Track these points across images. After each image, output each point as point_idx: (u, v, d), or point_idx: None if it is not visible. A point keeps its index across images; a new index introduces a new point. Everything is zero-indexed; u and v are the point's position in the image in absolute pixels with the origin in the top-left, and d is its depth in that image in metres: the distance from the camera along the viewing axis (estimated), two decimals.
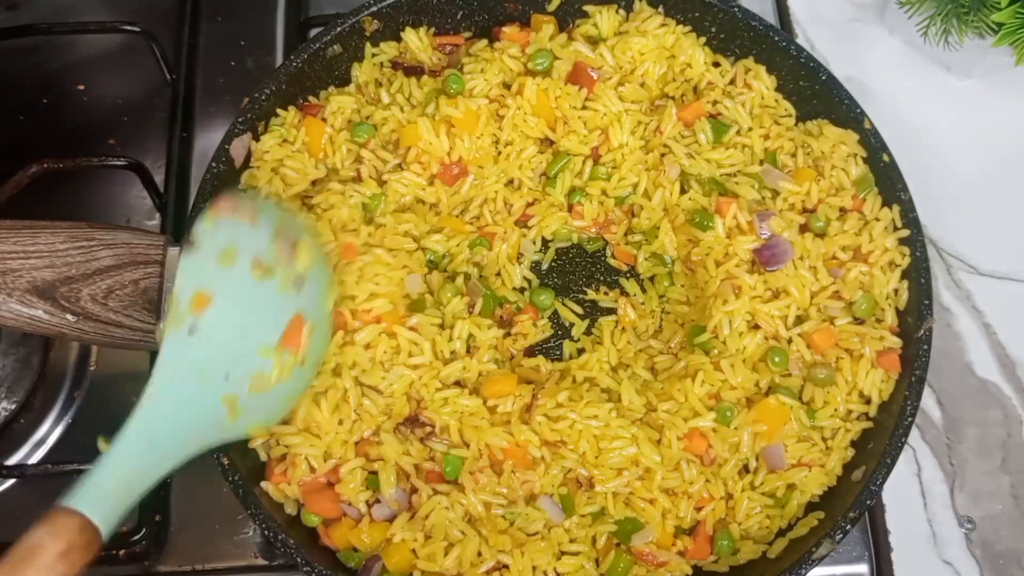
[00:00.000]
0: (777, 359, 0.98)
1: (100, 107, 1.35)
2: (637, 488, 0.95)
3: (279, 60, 1.34)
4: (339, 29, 1.10)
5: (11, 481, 1.12)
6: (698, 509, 0.96)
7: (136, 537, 1.06)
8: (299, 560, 0.91)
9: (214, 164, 1.02)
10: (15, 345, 1.19)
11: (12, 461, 1.13)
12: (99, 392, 1.17)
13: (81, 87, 1.36)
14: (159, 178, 1.25)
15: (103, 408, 1.16)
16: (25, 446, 1.14)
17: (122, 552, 1.07)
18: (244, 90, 1.09)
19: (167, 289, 0.98)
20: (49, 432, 1.15)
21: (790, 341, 1.00)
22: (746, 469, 0.98)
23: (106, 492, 0.71)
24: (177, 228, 1.22)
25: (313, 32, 1.31)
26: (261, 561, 1.07)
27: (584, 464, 0.95)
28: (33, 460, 1.13)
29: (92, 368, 1.18)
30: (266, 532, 0.91)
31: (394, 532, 0.92)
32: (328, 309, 0.91)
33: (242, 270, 0.83)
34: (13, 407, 1.15)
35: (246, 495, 0.92)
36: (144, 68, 1.33)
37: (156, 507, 1.09)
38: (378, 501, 0.95)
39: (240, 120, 1.04)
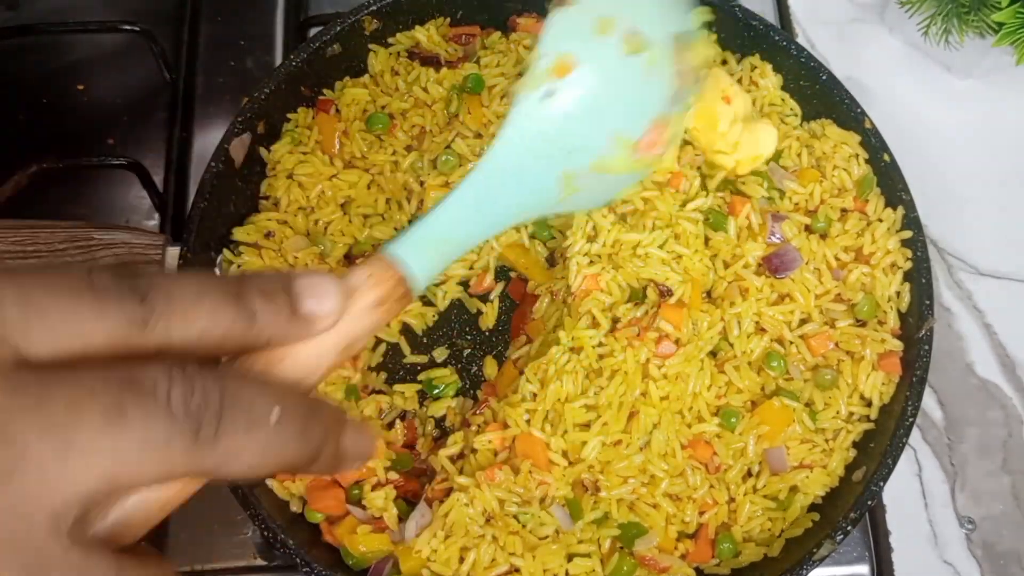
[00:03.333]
0: (775, 363, 0.98)
1: (100, 107, 1.35)
2: (642, 494, 0.95)
3: (279, 60, 1.34)
4: (339, 29, 1.10)
5: None
6: (701, 513, 0.96)
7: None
8: (299, 561, 0.91)
9: (213, 164, 1.02)
10: None
11: None
12: None
13: (81, 87, 1.36)
14: (158, 178, 1.25)
15: None
16: None
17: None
18: (244, 90, 1.09)
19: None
20: None
21: (791, 343, 1.00)
22: (749, 473, 0.98)
23: (428, 248, 0.65)
24: (176, 228, 1.22)
25: (313, 32, 1.31)
26: (261, 562, 1.07)
27: (590, 470, 0.95)
28: None
29: None
30: (265, 533, 0.91)
31: (421, 547, 0.92)
32: (684, 125, 0.85)
33: (614, 41, 0.72)
34: None
35: (246, 495, 0.92)
36: (144, 68, 1.33)
37: None
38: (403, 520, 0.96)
39: (240, 120, 1.04)
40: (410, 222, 1.07)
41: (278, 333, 0.49)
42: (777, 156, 1.08)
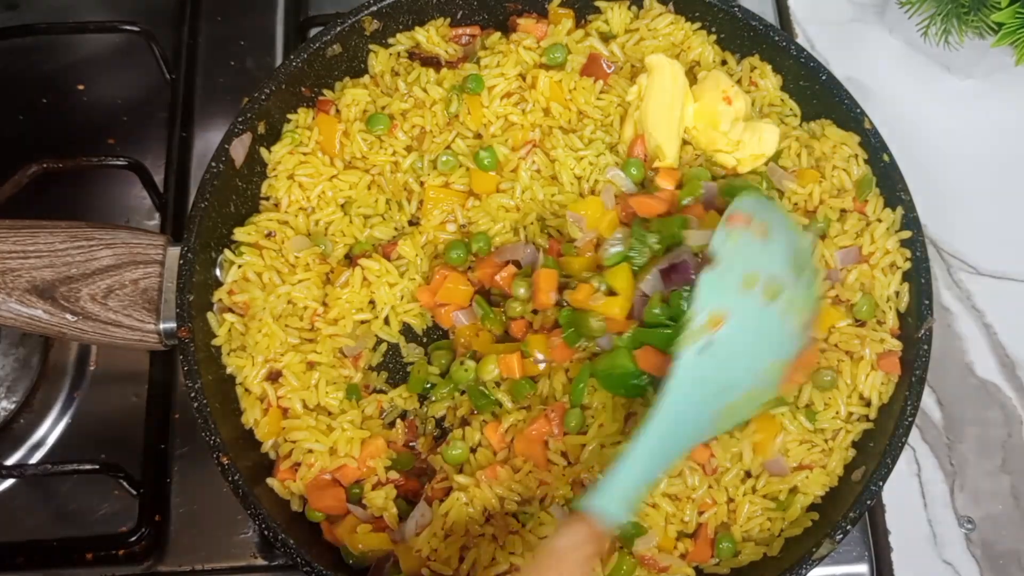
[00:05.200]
0: None
1: (100, 107, 1.35)
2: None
3: (279, 60, 1.34)
4: (339, 29, 1.10)
5: (11, 481, 1.12)
6: (700, 512, 0.96)
7: (136, 537, 1.06)
8: (299, 560, 0.91)
9: (214, 164, 1.02)
10: (15, 345, 1.19)
11: (12, 461, 1.13)
12: (99, 392, 1.17)
13: (81, 87, 1.36)
14: (159, 178, 1.25)
15: (103, 408, 1.16)
16: (25, 446, 1.14)
17: (122, 552, 1.07)
18: (244, 90, 1.09)
19: (167, 289, 0.98)
20: (49, 432, 1.15)
21: None
22: (748, 474, 0.98)
23: (619, 495, 0.78)
24: (177, 228, 1.22)
25: (313, 32, 1.31)
26: (261, 561, 1.07)
27: (589, 471, 0.95)
28: (33, 460, 1.13)
29: (92, 368, 1.18)
30: (265, 532, 0.91)
31: (421, 547, 0.92)
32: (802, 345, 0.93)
33: (757, 294, 0.86)
34: (13, 407, 1.15)
35: (246, 495, 0.92)
36: (144, 68, 1.33)
37: (156, 507, 1.09)
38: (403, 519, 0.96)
39: (240, 120, 1.04)
40: (409, 222, 1.08)
41: None
42: (776, 156, 1.08)
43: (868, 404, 1.00)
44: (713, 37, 1.13)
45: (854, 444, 0.99)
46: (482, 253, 1.06)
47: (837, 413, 0.99)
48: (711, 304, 0.84)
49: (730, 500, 0.97)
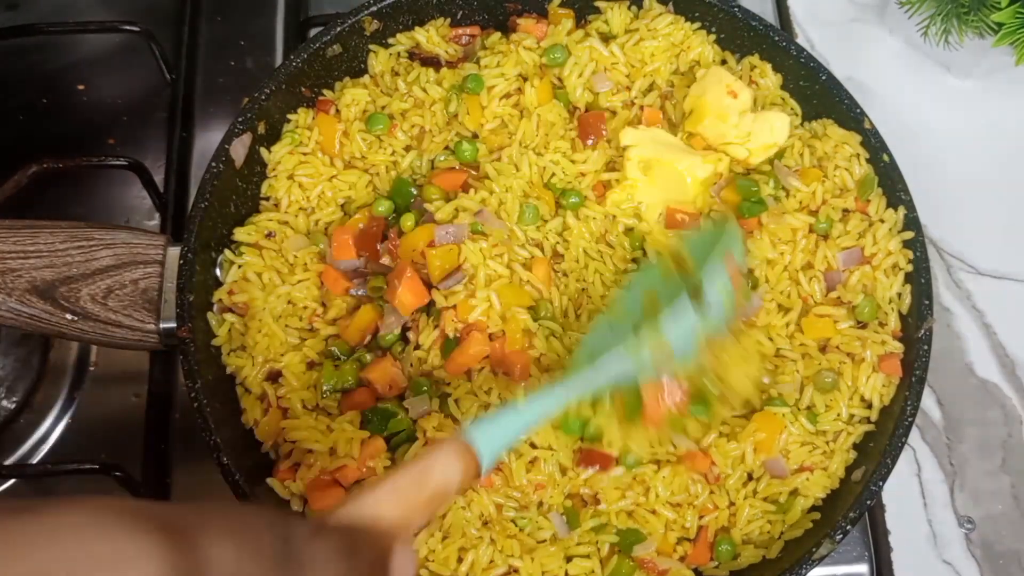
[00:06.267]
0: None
1: (100, 107, 1.35)
2: (641, 503, 0.95)
3: (279, 60, 1.34)
4: (339, 29, 1.10)
5: (11, 481, 1.12)
6: (700, 516, 0.96)
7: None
8: None
9: (214, 164, 1.02)
10: (15, 345, 1.19)
11: (12, 461, 1.13)
12: (99, 392, 1.17)
13: (81, 87, 1.36)
14: (159, 178, 1.25)
15: (103, 408, 1.16)
16: (25, 446, 1.14)
17: None
18: (244, 90, 1.09)
19: (167, 289, 0.98)
20: (49, 432, 1.15)
21: (791, 336, 1.01)
22: (749, 476, 0.98)
23: (498, 441, 0.76)
24: (176, 228, 1.22)
25: (313, 32, 1.31)
26: None
27: (589, 484, 0.96)
28: (33, 460, 1.13)
29: (92, 368, 1.18)
30: None
31: (418, 548, 0.92)
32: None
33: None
34: (13, 407, 1.15)
35: (246, 494, 0.92)
36: (144, 68, 1.33)
37: None
38: None
39: (240, 120, 1.04)
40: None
41: None
42: (780, 154, 1.08)
43: (869, 406, 1.00)
44: (713, 37, 1.13)
45: (854, 445, 0.99)
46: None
47: (838, 415, 0.99)
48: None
49: (731, 503, 0.97)
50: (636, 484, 0.96)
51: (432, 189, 1.04)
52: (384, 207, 1.05)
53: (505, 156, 1.07)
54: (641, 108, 1.11)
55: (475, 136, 1.10)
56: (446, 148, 1.09)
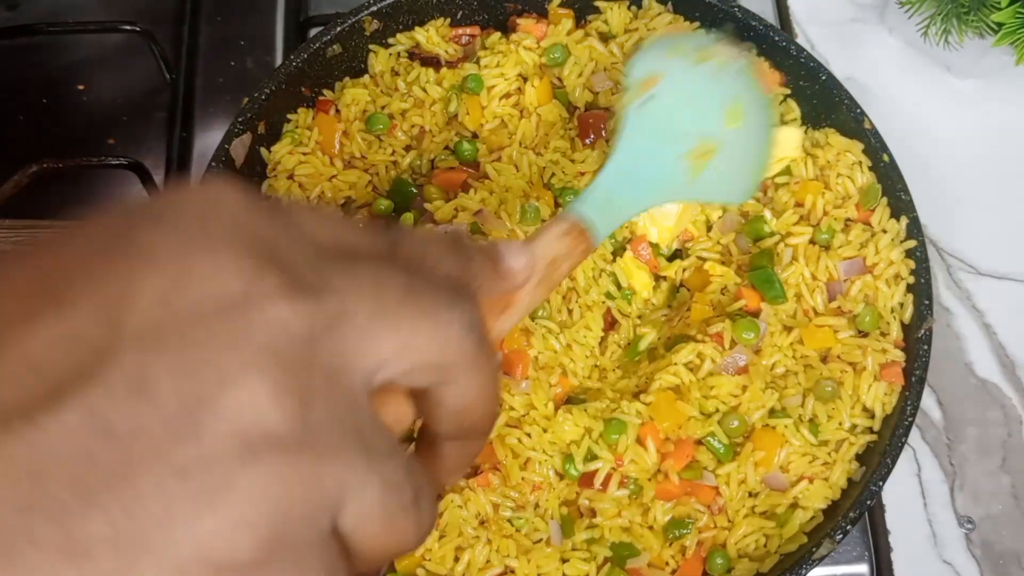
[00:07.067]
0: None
1: (100, 107, 1.35)
2: (638, 521, 0.95)
3: (279, 60, 1.34)
4: (339, 29, 1.10)
5: None
6: (699, 532, 0.95)
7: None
8: None
9: (214, 164, 1.02)
10: None
11: None
12: None
13: (81, 87, 1.36)
14: (159, 178, 1.25)
15: None
16: None
17: None
18: (244, 90, 1.09)
19: None
20: None
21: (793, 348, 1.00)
22: (749, 494, 0.97)
23: (601, 206, 0.75)
24: None
25: (313, 32, 1.31)
26: None
27: (587, 496, 0.95)
28: None
29: None
30: None
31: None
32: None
33: (685, 57, 0.90)
34: None
35: None
36: (144, 68, 1.33)
37: None
38: None
39: (240, 120, 1.04)
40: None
41: (485, 283, 0.54)
42: (787, 170, 1.08)
43: (872, 416, 0.98)
44: (713, 38, 1.13)
45: (856, 456, 0.98)
46: None
47: (840, 424, 0.97)
48: (645, 69, 0.88)
49: (730, 521, 0.96)
50: (635, 504, 0.95)
51: (432, 189, 1.04)
52: (384, 206, 1.05)
53: (505, 156, 1.07)
54: None
55: (475, 136, 1.10)
56: (446, 148, 1.09)
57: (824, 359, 1.01)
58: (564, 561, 0.93)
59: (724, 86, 0.92)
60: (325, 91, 1.12)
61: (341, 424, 0.36)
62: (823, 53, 1.35)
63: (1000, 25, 1.16)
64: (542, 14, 1.16)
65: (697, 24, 1.13)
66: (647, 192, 0.86)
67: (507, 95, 1.10)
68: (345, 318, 0.38)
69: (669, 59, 0.91)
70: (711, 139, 0.89)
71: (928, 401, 1.16)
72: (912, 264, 1.02)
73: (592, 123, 1.09)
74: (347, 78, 1.14)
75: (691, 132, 0.90)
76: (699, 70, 0.91)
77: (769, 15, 1.37)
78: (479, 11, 1.16)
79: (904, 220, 1.03)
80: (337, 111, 1.10)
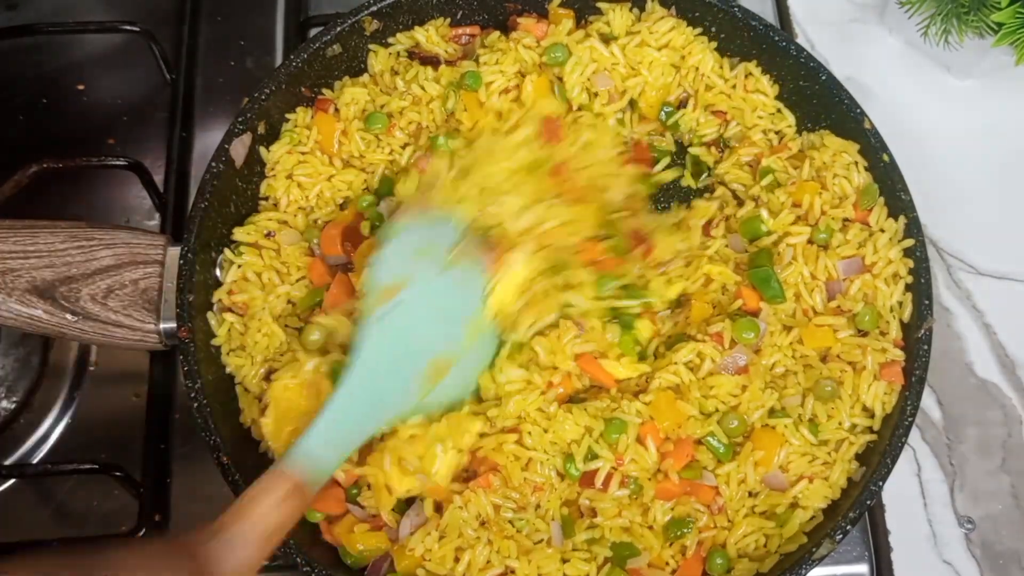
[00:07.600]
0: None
1: (100, 107, 1.35)
2: (638, 522, 0.95)
3: (279, 60, 1.34)
4: (339, 29, 1.10)
5: (11, 481, 1.12)
6: (699, 532, 0.96)
7: (136, 537, 1.06)
8: (298, 560, 0.91)
9: (214, 164, 1.02)
10: (15, 345, 1.19)
11: (12, 461, 1.13)
12: (99, 392, 1.17)
13: (81, 87, 1.36)
14: (159, 178, 1.25)
15: (103, 408, 1.16)
16: (25, 446, 1.14)
17: None
18: (244, 90, 1.09)
19: (167, 289, 0.99)
20: (49, 432, 1.15)
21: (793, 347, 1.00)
22: (749, 494, 0.97)
23: (322, 441, 0.80)
24: (176, 228, 1.22)
25: (313, 32, 1.31)
26: None
27: (588, 496, 0.95)
28: (33, 460, 1.13)
29: (92, 368, 1.18)
30: None
31: (414, 546, 0.92)
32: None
33: (432, 261, 0.91)
34: (13, 407, 1.15)
35: None
36: (144, 68, 1.33)
37: (156, 507, 1.09)
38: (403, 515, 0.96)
39: (240, 120, 1.04)
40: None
41: None
42: (769, 171, 1.07)
43: (871, 415, 0.98)
44: (714, 44, 1.13)
45: (856, 455, 0.98)
46: None
47: (840, 424, 0.97)
48: (390, 273, 0.89)
49: (729, 521, 0.96)
50: (635, 504, 0.95)
51: None
52: (367, 202, 1.06)
53: None
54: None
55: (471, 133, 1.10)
56: (439, 138, 1.09)
57: (824, 358, 1.01)
58: (565, 561, 0.93)
59: (468, 295, 0.92)
60: (324, 90, 1.12)
61: None
62: (823, 53, 1.35)
63: (1000, 25, 1.16)
64: (542, 14, 1.16)
65: (700, 30, 1.13)
66: (380, 412, 0.87)
67: (506, 90, 1.10)
68: None
69: (415, 262, 0.90)
70: (450, 354, 0.91)
71: (928, 401, 1.16)
72: (911, 263, 1.02)
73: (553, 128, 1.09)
74: (347, 77, 1.14)
75: (432, 349, 0.90)
76: (445, 278, 0.91)
77: (769, 15, 1.37)
78: (479, 11, 1.16)
79: (903, 219, 1.03)
80: (336, 110, 1.10)
